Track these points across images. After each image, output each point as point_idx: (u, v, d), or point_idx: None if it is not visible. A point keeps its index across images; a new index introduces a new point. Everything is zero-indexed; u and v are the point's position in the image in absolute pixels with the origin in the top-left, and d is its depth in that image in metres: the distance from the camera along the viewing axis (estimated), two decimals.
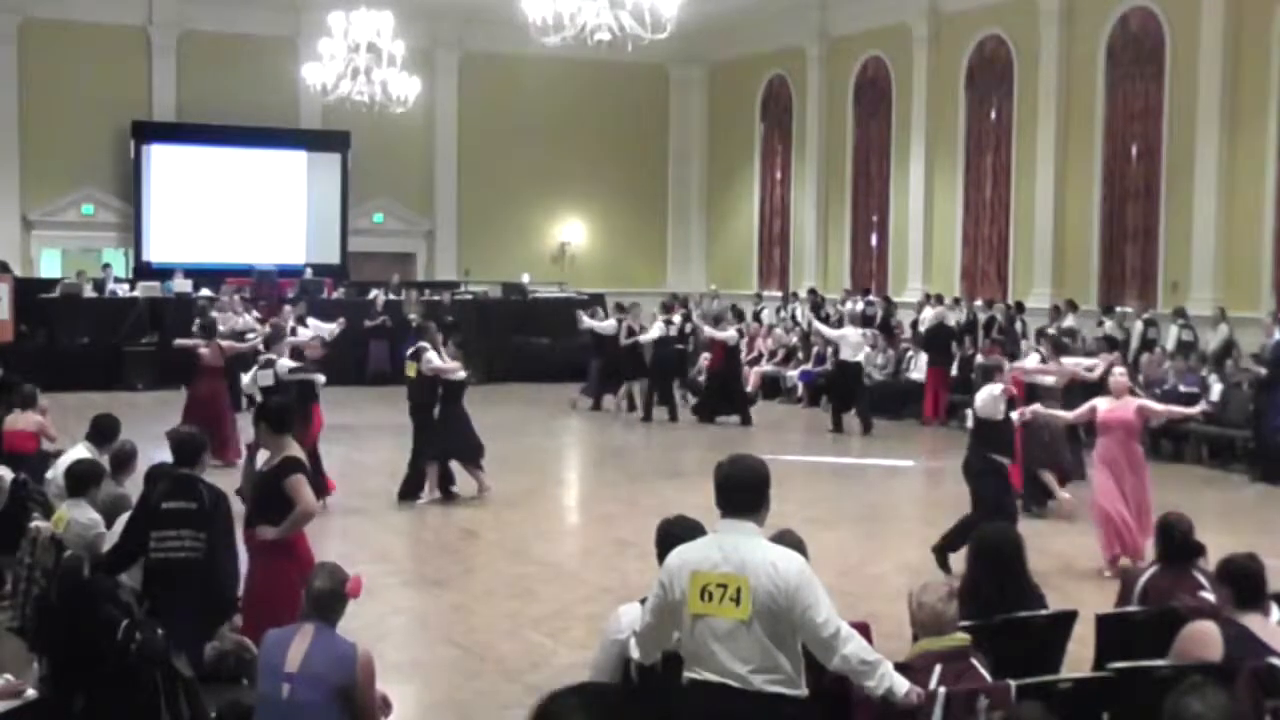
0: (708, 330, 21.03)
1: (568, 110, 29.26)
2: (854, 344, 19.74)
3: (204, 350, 15.67)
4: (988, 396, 10.80)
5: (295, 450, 7.62)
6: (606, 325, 21.23)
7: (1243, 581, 5.81)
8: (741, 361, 22.26)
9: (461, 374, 13.81)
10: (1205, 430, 16.80)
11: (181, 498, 7.36)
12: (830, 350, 21.02)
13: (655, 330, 20.88)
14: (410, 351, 13.89)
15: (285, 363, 13.35)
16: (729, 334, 20.66)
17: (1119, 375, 11.41)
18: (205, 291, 23.48)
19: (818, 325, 21.98)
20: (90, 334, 23.22)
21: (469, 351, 24.24)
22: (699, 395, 21.00)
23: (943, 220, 24.51)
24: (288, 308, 19.86)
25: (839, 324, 21.37)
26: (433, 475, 13.58)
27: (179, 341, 16.73)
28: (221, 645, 7.59)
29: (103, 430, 9.73)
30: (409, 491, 13.57)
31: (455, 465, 13.83)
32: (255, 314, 20.90)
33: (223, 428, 14.85)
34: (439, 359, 13.48)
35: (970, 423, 10.76)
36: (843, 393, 19.78)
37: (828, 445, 18.30)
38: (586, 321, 21.52)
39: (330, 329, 18.06)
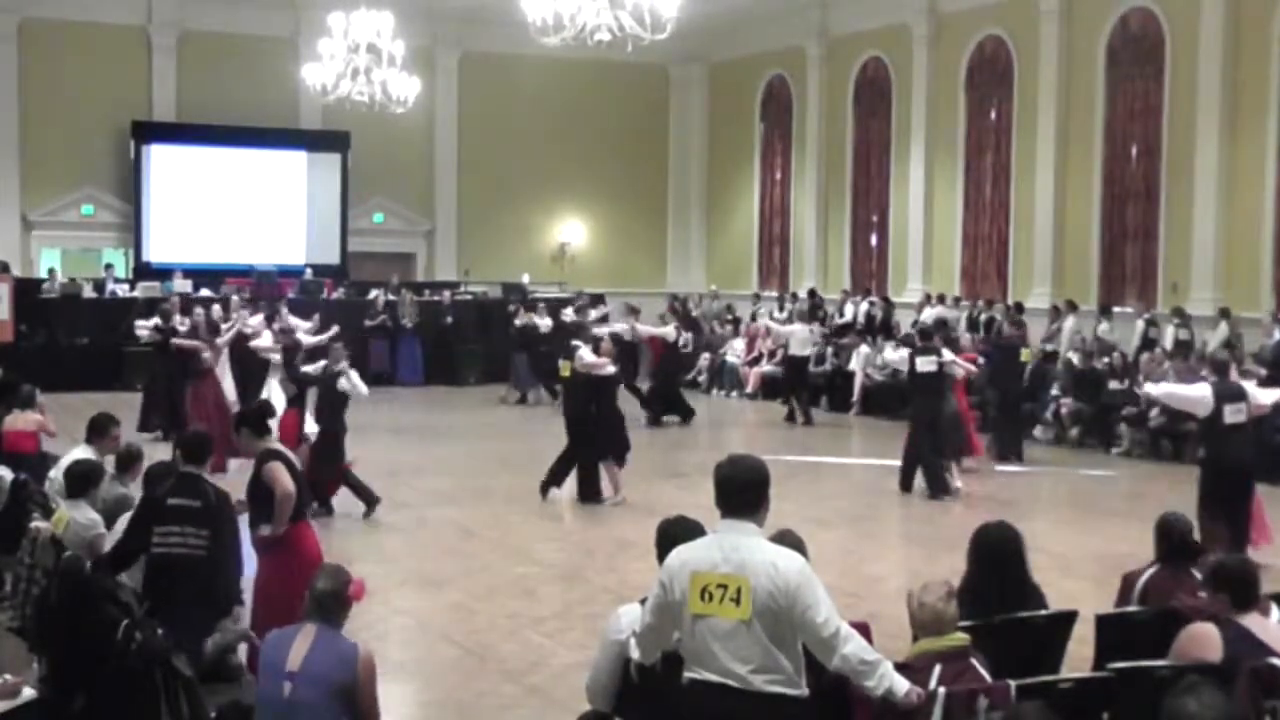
0: (643, 328, 20.93)
1: (568, 110, 29.25)
2: (802, 339, 20.99)
3: (206, 354, 15.72)
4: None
5: (274, 445, 7.83)
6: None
7: (1238, 585, 5.80)
8: (680, 359, 22.34)
9: (611, 369, 13.97)
10: None
11: (186, 495, 7.49)
12: (781, 345, 21.84)
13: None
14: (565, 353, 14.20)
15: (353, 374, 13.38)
16: (667, 330, 20.61)
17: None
18: (205, 291, 23.51)
19: (768, 323, 22.80)
20: (90, 334, 23.24)
21: (466, 353, 24.49)
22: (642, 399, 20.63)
23: (943, 220, 24.51)
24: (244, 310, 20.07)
25: (846, 326, 21.68)
26: (610, 474, 13.58)
27: (178, 341, 16.65)
28: (224, 639, 7.64)
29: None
30: (590, 493, 13.60)
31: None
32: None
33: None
34: (590, 355, 13.68)
35: (1245, 418, 10.96)
36: (794, 384, 20.79)
37: (827, 445, 18.30)
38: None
39: (307, 326, 18.20)
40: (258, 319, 19.24)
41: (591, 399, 13.72)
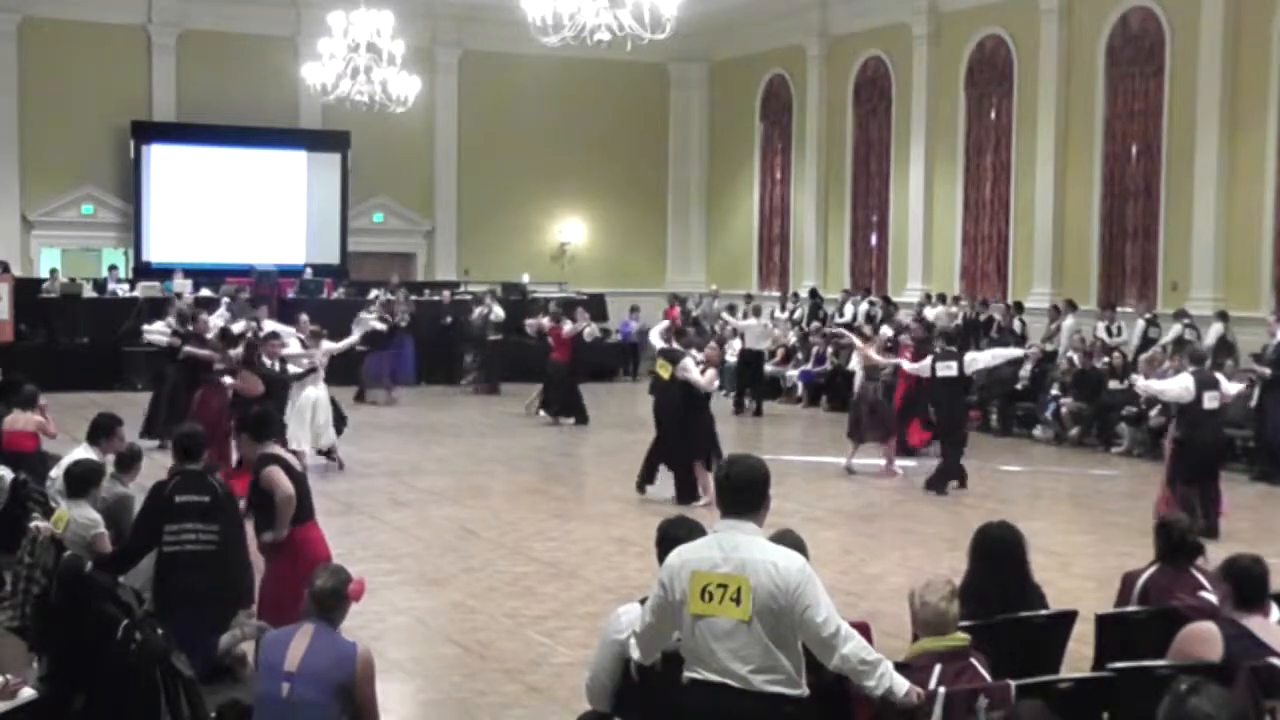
0: (559, 324, 20.67)
1: (568, 110, 29.24)
2: (757, 333, 22.04)
3: (220, 364, 15.01)
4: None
5: (273, 449, 7.82)
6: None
7: (1244, 582, 5.79)
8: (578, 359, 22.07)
9: (714, 387, 14.00)
10: None
11: (194, 491, 7.53)
12: (739, 338, 22.35)
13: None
14: (662, 349, 14.09)
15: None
16: (566, 328, 20.34)
17: None
18: (205, 291, 23.48)
19: (725, 316, 23.38)
20: (90, 334, 23.23)
21: (466, 353, 24.46)
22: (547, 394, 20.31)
23: (942, 219, 24.50)
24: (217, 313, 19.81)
25: (839, 324, 21.71)
26: (704, 477, 13.31)
27: (191, 350, 16.10)
28: (244, 633, 7.66)
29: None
30: (687, 496, 13.48)
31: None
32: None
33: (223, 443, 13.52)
34: (694, 371, 13.58)
35: (1219, 404, 12.44)
36: (748, 376, 21.72)
37: (827, 445, 18.28)
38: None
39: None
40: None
41: (686, 401, 13.67)
